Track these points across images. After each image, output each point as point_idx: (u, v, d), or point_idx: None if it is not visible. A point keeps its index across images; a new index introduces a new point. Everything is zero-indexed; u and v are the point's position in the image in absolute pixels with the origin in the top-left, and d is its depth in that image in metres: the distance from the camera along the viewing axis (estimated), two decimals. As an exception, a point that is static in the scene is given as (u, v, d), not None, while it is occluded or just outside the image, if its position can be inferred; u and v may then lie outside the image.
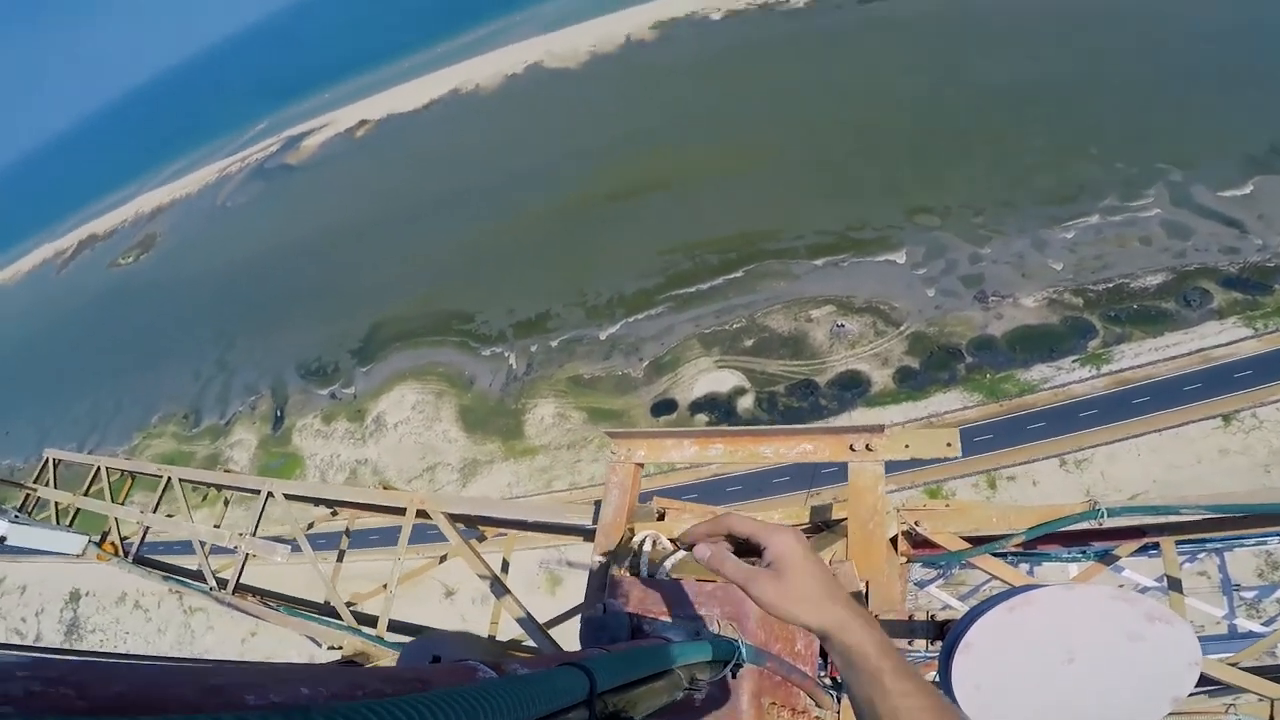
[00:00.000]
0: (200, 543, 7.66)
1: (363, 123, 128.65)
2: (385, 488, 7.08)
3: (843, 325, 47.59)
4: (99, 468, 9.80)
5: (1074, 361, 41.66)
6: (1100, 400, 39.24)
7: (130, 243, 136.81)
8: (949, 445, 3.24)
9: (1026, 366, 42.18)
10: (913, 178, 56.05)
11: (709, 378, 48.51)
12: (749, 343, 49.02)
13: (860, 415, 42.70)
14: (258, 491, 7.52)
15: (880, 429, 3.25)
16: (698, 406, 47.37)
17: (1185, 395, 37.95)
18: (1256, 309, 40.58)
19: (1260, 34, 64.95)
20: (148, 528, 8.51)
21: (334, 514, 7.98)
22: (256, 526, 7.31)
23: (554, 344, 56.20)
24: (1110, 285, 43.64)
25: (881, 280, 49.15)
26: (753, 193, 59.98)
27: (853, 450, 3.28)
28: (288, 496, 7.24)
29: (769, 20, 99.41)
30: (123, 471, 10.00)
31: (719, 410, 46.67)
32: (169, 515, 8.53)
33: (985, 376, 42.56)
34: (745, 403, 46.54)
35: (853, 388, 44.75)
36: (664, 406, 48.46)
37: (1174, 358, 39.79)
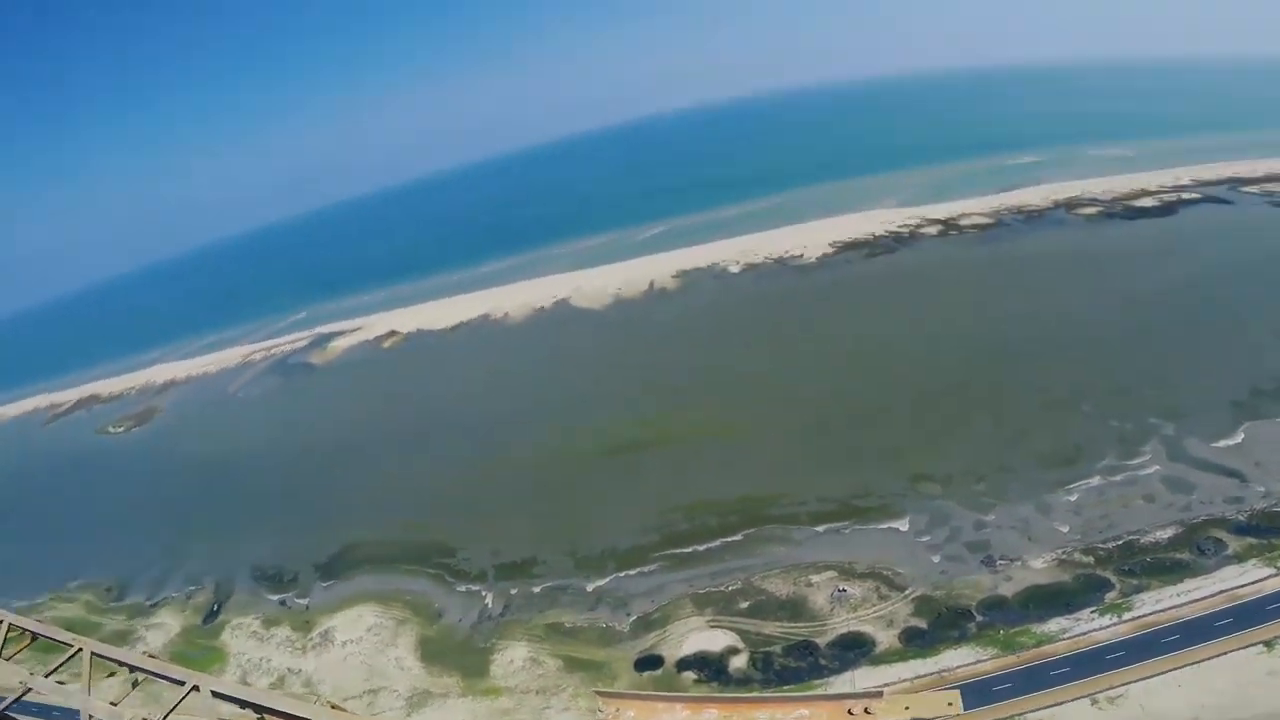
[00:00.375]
0: (90, 716, 6.91)
1: (392, 333, 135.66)
2: (333, 706, 6.54)
3: (844, 590, 46.58)
4: (2, 621, 9.17)
5: (1092, 612, 41.27)
6: (1126, 643, 38.86)
7: (129, 412, 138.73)
8: (950, 705, 3.11)
9: (1042, 620, 41.55)
10: (913, 442, 58.27)
11: (700, 636, 46.36)
12: (745, 604, 47.77)
13: (865, 674, 40.14)
14: (182, 682, 6.96)
15: (879, 693, 3.13)
16: (686, 664, 44.50)
17: (1217, 630, 37.91)
18: (1274, 550, 41.74)
19: (1224, 287, 74.74)
20: (29, 689, 7.73)
21: (260, 719, 7.24)
22: (168, 715, 6.65)
23: (536, 589, 54.72)
24: (1120, 542, 44.50)
25: (884, 547, 49.12)
26: (756, 456, 61.63)
27: (851, 715, 3.18)
28: (216, 694, 6.67)
29: (783, 274, 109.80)
30: (26, 630, 9.31)
31: (709, 669, 43.83)
32: (60, 682, 7.79)
33: (999, 632, 41.55)
34: (738, 662, 43.62)
35: (856, 648, 42.68)
36: (649, 662, 45.64)
37: (1198, 600, 40.12)
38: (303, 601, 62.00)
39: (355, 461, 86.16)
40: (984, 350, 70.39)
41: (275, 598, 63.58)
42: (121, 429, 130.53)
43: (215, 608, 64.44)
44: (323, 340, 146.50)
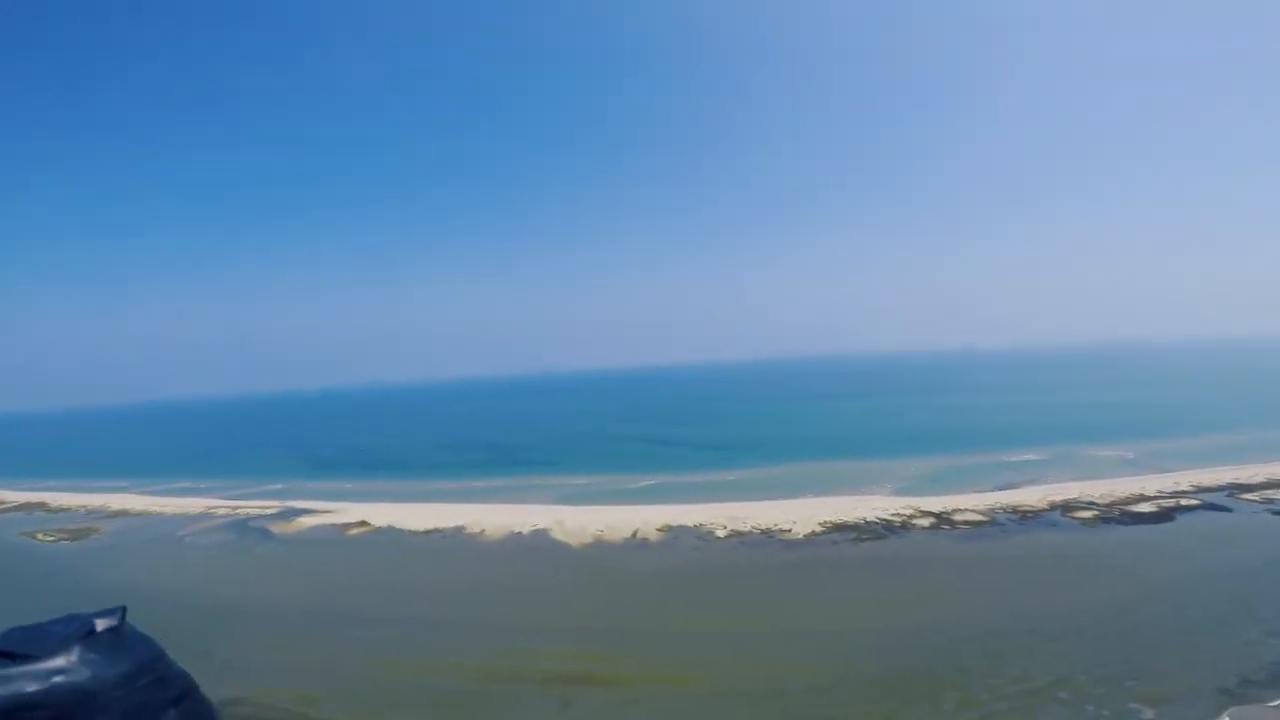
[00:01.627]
0: None
1: (363, 523, 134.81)
2: None
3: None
4: None
5: None
6: None
7: (67, 526, 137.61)
8: None
9: None
10: (869, 715, 55.02)
11: None
12: None
13: None
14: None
15: None
16: None
17: None
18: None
19: (1219, 590, 73.61)
20: None
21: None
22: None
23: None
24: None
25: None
26: (704, 705, 58.29)
27: None
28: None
29: (768, 545, 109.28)
30: None
31: None
32: None
33: None
34: None
35: None
36: None
37: None
38: None
39: (269, 624, 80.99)
40: (964, 637, 67.73)
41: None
42: (50, 539, 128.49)
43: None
44: (290, 514, 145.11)
